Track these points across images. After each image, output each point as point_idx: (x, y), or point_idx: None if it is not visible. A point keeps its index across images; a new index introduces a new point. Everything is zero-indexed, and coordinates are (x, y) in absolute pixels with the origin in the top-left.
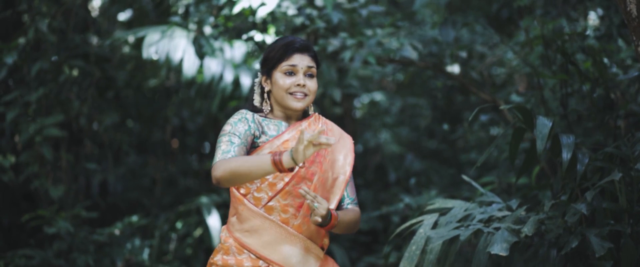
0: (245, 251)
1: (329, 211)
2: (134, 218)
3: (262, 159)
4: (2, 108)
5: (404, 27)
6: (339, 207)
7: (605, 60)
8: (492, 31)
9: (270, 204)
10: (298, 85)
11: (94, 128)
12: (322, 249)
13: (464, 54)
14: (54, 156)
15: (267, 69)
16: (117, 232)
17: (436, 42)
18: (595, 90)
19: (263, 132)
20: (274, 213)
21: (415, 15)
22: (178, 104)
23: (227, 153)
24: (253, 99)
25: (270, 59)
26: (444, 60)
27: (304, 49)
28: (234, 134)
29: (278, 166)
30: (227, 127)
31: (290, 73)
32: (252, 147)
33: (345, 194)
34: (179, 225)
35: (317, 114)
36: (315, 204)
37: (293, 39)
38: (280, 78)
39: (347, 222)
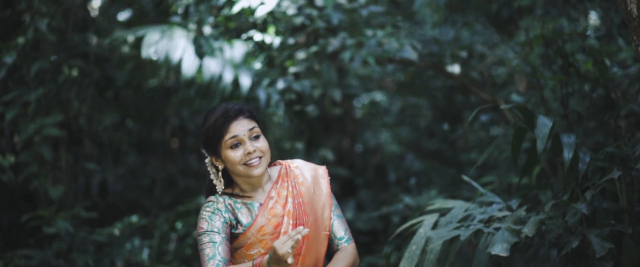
0: None
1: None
2: (134, 218)
3: None
4: (1, 108)
5: (404, 27)
6: (331, 247)
7: (606, 60)
8: (492, 31)
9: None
10: (248, 153)
11: (93, 128)
12: None
13: (464, 54)
14: (53, 155)
15: (212, 149)
16: (116, 232)
17: (436, 42)
18: (596, 90)
19: (238, 222)
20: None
21: (415, 15)
22: (177, 104)
23: (213, 258)
24: (213, 184)
25: (210, 139)
26: (444, 60)
27: (237, 115)
28: (213, 232)
29: None
30: (203, 225)
31: (236, 145)
32: (231, 236)
33: (333, 235)
34: (178, 225)
35: (282, 163)
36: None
37: (223, 109)
38: (229, 154)
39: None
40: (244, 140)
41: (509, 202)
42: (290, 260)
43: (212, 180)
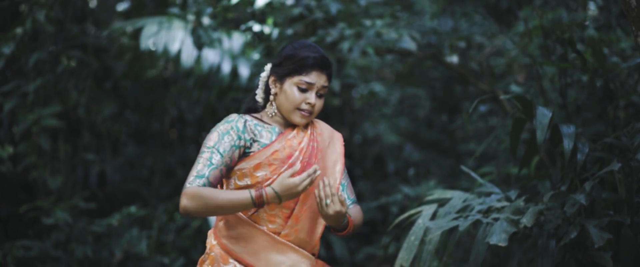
0: (231, 260)
1: (345, 215)
2: (132, 209)
3: (240, 198)
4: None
5: (402, 18)
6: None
7: (605, 50)
8: (491, 21)
9: (256, 213)
10: (308, 103)
11: (92, 119)
12: (314, 254)
13: (462, 45)
14: (51, 146)
15: (281, 74)
16: (115, 222)
17: (435, 32)
18: (595, 81)
19: (255, 140)
20: (261, 223)
21: (413, 5)
22: (176, 95)
23: (201, 178)
24: (255, 94)
25: (286, 66)
26: (443, 50)
27: (324, 67)
28: (217, 152)
29: (259, 204)
30: (212, 138)
31: (304, 89)
32: (242, 155)
33: (346, 196)
34: (177, 216)
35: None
36: (327, 201)
37: (315, 51)
38: (292, 91)
39: (358, 225)
40: (314, 90)
41: (508, 192)
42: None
43: (255, 96)
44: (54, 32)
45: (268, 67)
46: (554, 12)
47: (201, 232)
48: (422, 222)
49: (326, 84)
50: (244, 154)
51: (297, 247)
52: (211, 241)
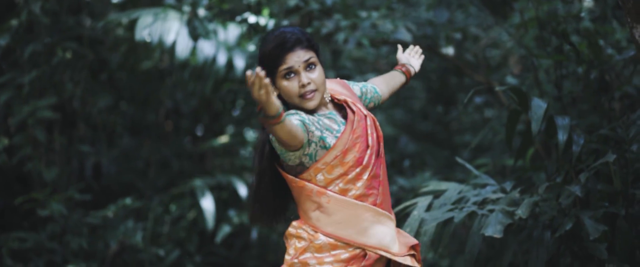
0: (341, 244)
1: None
2: (128, 200)
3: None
4: None
5: (398, 9)
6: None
7: (600, 42)
8: (487, 13)
9: (359, 192)
10: (303, 86)
11: (87, 110)
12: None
13: (458, 36)
14: (47, 138)
15: (270, 77)
16: (110, 214)
17: (430, 24)
18: (590, 72)
19: (327, 129)
20: (364, 199)
21: None
22: (171, 86)
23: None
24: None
25: (265, 68)
26: (439, 42)
27: (294, 46)
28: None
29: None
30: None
31: (290, 76)
32: (322, 147)
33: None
34: (172, 207)
35: (340, 80)
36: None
37: (275, 38)
38: (284, 85)
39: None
40: (299, 71)
41: (503, 184)
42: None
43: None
44: (49, 23)
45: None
46: (549, 3)
47: (196, 223)
48: (417, 213)
49: (307, 55)
50: (324, 145)
51: (389, 215)
52: (308, 230)
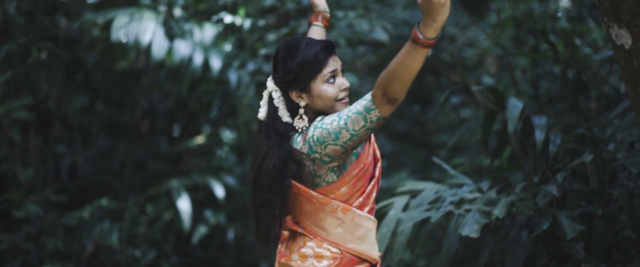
0: (359, 259)
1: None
2: (104, 201)
3: (405, 50)
4: None
5: (374, 9)
6: None
7: (577, 41)
8: (463, 12)
9: (370, 206)
10: (344, 89)
11: (62, 111)
12: None
13: None
14: (22, 138)
15: (303, 84)
16: (86, 215)
17: (407, 23)
18: (567, 72)
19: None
20: (367, 210)
21: None
22: (147, 87)
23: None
24: (277, 121)
25: (305, 74)
26: None
27: (332, 50)
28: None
29: (418, 41)
30: (338, 123)
31: (332, 80)
32: (354, 155)
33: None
34: (149, 208)
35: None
36: None
37: (315, 44)
38: (325, 89)
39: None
40: (339, 74)
41: (480, 184)
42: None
43: (279, 121)
44: (24, 24)
45: (273, 89)
46: (526, 3)
47: (173, 224)
48: (394, 213)
49: (340, 61)
50: (350, 159)
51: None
52: (330, 248)
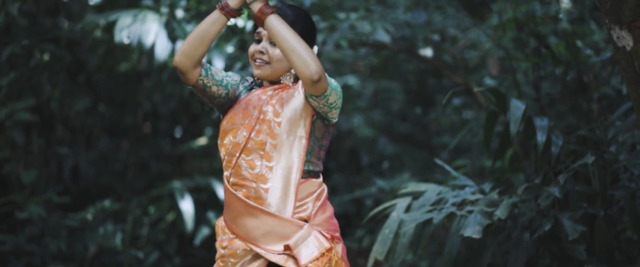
0: (226, 231)
1: None
2: (106, 203)
3: (209, 15)
4: None
5: (376, 11)
6: None
7: (578, 43)
8: (465, 14)
9: (232, 180)
10: (259, 52)
11: (65, 112)
12: (305, 221)
13: (436, 37)
14: (25, 140)
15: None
16: (89, 217)
17: (409, 25)
18: (568, 74)
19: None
20: (237, 189)
21: None
22: (150, 88)
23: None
24: None
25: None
26: (417, 43)
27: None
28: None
29: (224, 9)
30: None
31: (257, 41)
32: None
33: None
34: (151, 210)
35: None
36: None
37: (279, 7)
38: (251, 46)
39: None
40: (263, 39)
41: (482, 185)
42: None
43: None
44: (27, 25)
45: None
46: (527, 5)
47: (175, 226)
48: (396, 215)
49: None
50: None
51: (272, 212)
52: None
